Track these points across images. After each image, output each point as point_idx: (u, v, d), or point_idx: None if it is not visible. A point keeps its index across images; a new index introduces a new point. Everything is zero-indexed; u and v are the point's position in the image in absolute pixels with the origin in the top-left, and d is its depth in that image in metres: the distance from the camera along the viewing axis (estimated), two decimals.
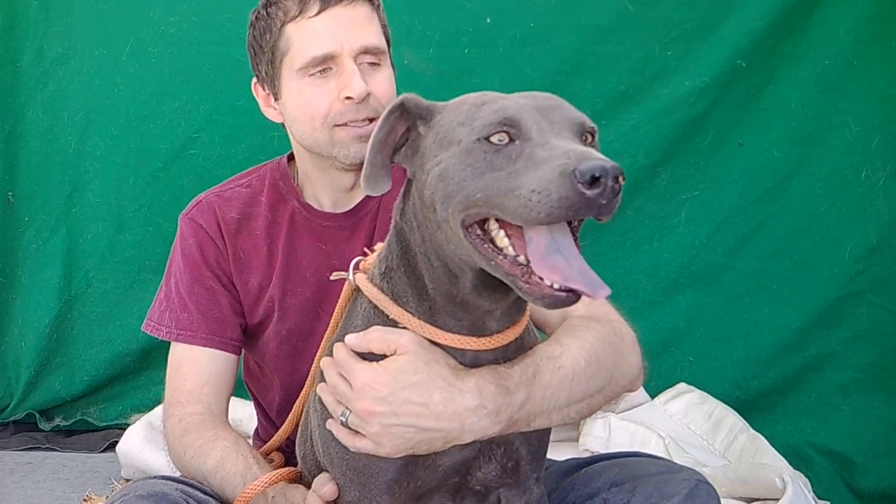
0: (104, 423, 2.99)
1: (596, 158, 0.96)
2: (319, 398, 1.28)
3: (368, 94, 1.51)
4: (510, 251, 1.05)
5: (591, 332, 1.31)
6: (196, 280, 1.64)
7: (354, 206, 1.65)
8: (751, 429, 2.55)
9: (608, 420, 2.46)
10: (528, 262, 1.03)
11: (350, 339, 1.23)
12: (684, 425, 2.54)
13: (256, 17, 1.60)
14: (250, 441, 1.93)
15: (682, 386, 2.65)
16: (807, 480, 2.38)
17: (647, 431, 2.42)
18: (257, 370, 1.77)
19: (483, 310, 1.16)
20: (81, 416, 3.01)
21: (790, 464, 2.48)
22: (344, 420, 1.21)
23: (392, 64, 1.64)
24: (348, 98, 1.50)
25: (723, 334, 2.73)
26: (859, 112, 2.58)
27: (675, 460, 2.25)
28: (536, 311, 1.47)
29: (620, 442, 2.39)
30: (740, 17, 2.58)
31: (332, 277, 1.36)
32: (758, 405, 2.70)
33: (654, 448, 2.34)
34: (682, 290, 2.73)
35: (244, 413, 2.45)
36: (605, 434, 2.44)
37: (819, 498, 2.44)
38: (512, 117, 1.06)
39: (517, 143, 1.05)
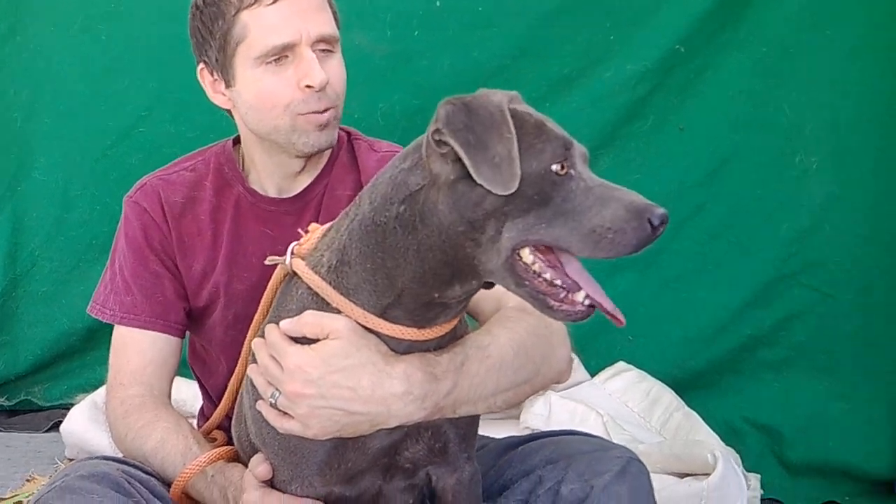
0: (48, 403, 2.98)
1: (657, 205, 1.08)
2: (251, 380, 1.30)
3: (327, 83, 1.51)
4: (537, 268, 1.10)
5: (522, 324, 1.34)
6: (140, 263, 1.64)
7: (300, 192, 1.66)
8: (686, 406, 2.63)
9: (548, 398, 2.51)
10: (561, 283, 1.10)
11: (284, 324, 1.24)
12: (622, 403, 2.61)
13: (204, 2, 1.57)
14: (195, 421, 1.95)
15: (620, 365, 2.71)
16: (737, 456, 2.45)
17: (587, 409, 2.48)
18: (203, 352, 1.78)
19: (445, 308, 1.20)
20: (25, 396, 2.99)
21: (723, 438, 2.56)
22: (273, 401, 1.23)
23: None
24: (308, 87, 1.50)
25: (661, 314, 2.79)
26: (794, 98, 2.66)
27: (613, 437, 2.34)
28: (473, 301, 1.50)
29: (560, 419, 2.45)
30: (681, 3, 2.64)
31: (267, 262, 1.38)
32: (695, 383, 2.77)
33: (592, 425, 2.40)
34: (622, 272, 2.77)
35: (188, 393, 2.44)
36: (546, 412, 2.49)
37: (750, 470, 2.53)
38: (570, 144, 1.11)
39: (572, 173, 1.09)
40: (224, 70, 1.58)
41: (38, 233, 2.97)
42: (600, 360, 2.75)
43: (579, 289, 1.11)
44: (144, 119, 2.89)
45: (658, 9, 2.66)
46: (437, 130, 1.11)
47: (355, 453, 1.25)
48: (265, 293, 1.40)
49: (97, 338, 2.90)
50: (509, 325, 1.34)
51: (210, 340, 1.70)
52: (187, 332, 1.72)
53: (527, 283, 1.10)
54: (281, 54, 1.51)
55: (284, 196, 1.66)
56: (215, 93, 1.64)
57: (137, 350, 1.62)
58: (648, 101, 2.71)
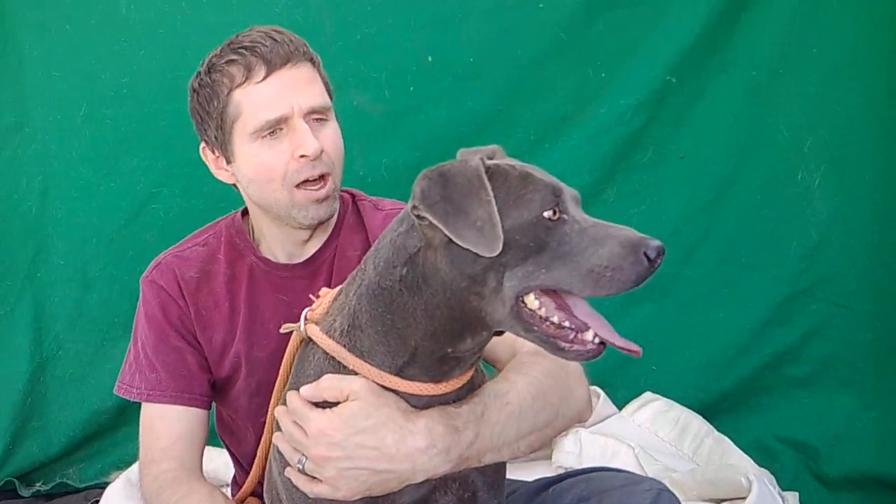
0: (84, 484, 2.98)
1: (651, 238, 1.10)
2: (278, 448, 1.33)
3: (321, 151, 1.57)
4: (543, 313, 1.14)
5: (538, 368, 1.38)
6: (161, 340, 1.69)
7: (311, 256, 1.70)
8: (716, 431, 2.62)
9: (579, 435, 2.51)
10: (570, 324, 1.14)
11: (304, 390, 1.28)
12: (652, 433, 2.61)
13: (200, 85, 1.64)
14: (228, 490, 1.98)
15: (647, 395, 2.72)
16: (772, 477, 2.43)
17: (617, 443, 2.48)
18: (230, 421, 1.81)
19: (461, 363, 1.23)
20: (61, 479, 3.00)
21: (756, 458, 2.56)
22: (301, 467, 1.26)
23: (335, 115, 1.70)
24: (303, 156, 1.56)
25: (681, 341, 2.81)
26: (789, 117, 2.69)
27: (646, 469, 2.34)
28: (488, 349, 1.54)
29: (592, 455, 2.45)
30: (667, 35, 2.68)
31: (282, 330, 1.41)
32: (721, 406, 2.78)
33: (624, 459, 2.40)
34: (639, 303, 2.79)
35: (220, 462, 2.44)
36: (577, 449, 2.49)
37: (787, 489, 2.52)
38: (559, 191, 1.15)
39: (564, 217, 1.13)
40: (224, 147, 1.64)
41: (60, 316, 3.00)
42: (627, 392, 2.76)
43: (588, 328, 1.14)
44: (155, 196, 2.94)
45: (645, 42, 2.70)
46: (414, 207, 1.15)
47: None
48: (283, 360, 1.43)
49: (127, 415, 2.92)
50: (525, 370, 1.37)
51: (236, 410, 1.74)
52: (213, 403, 1.76)
53: (535, 328, 1.14)
54: (275, 128, 1.57)
55: (296, 262, 1.71)
56: (218, 169, 1.71)
57: (166, 426, 1.66)
58: (646, 133, 2.75)
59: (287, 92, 1.57)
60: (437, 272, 1.17)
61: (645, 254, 1.08)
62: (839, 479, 2.65)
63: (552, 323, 1.14)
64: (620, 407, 2.71)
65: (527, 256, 1.12)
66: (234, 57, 1.58)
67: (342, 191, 1.71)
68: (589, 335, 1.14)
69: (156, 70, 2.87)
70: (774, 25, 2.66)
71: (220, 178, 1.72)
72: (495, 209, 1.11)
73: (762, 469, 2.46)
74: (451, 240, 1.13)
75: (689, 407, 2.69)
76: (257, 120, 1.57)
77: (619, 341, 1.15)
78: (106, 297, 2.99)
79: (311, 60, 1.63)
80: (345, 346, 1.26)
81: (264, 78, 1.57)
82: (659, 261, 1.09)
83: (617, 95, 2.72)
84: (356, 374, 1.25)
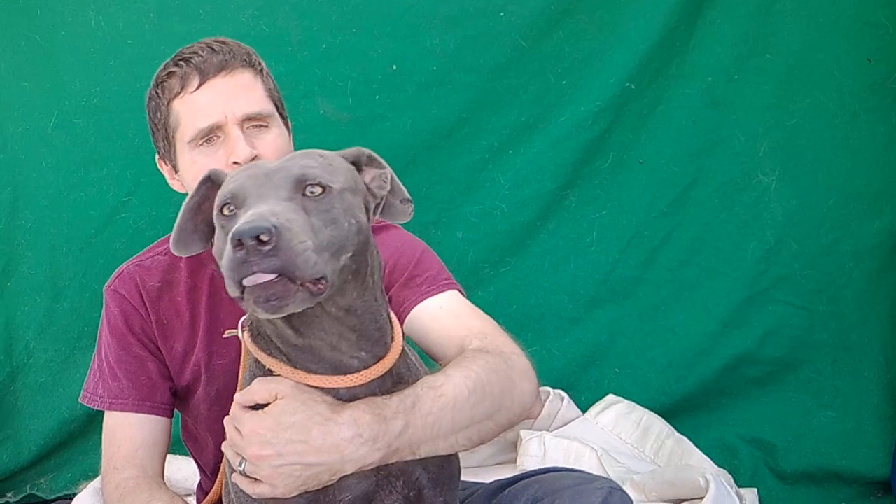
0: (54, 496, 2.97)
1: (245, 222, 1.07)
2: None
3: (255, 157, 1.59)
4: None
5: (478, 362, 1.39)
6: (123, 348, 1.71)
7: None
8: (676, 433, 2.66)
9: (543, 438, 2.54)
10: None
11: (238, 395, 1.31)
12: (615, 436, 2.65)
13: (149, 97, 1.69)
14: (193, 497, 2.00)
15: (610, 397, 2.75)
16: (730, 477, 2.49)
17: (581, 446, 2.51)
18: (193, 430, 1.83)
19: (326, 349, 1.25)
20: (31, 490, 3.00)
21: (717, 456, 2.62)
22: (241, 469, 1.27)
23: (285, 122, 1.72)
24: (235, 163, 1.58)
25: (644, 343, 2.85)
26: (745, 123, 2.74)
27: (609, 471, 2.38)
28: (435, 346, 1.57)
29: (555, 458, 2.47)
30: (625, 43, 2.72)
31: (224, 335, 1.45)
32: (683, 406, 2.82)
33: (587, 461, 2.43)
34: (602, 305, 2.85)
35: (188, 471, 2.48)
36: (541, 452, 2.51)
37: (745, 486, 2.58)
38: (233, 193, 1.19)
39: (238, 212, 1.17)
40: (171, 157, 1.68)
41: (31, 325, 3.01)
42: (591, 395, 2.80)
43: None
44: (125, 205, 2.95)
45: (605, 50, 2.75)
46: None
47: None
48: (240, 368, 1.45)
49: (97, 423, 2.80)
50: (465, 364, 1.38)
51: (196, 418, 1.76)
52: (176, 412, 1.78)
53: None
54: (210, 136, 1.60)
55: None
56: (171, 179, 1.74)
57: (128, 434, 1.68)
58: (606, 138, 2.79)
59: (221, 99, 1.60)
60: None
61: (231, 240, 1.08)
62: (797, 474, 2.70)
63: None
64: (584, 408, 2.74)
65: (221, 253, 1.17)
66: (173, 69, 1.63)
67: None
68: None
69: (125, 80, 2.87)
70: (729, 32, 2.71)
71: (174, 188, 1.75)
72: (182, 211, 1.29)
73: (720, 469, 2.51)
74: None
75: (652, 408, 2.73)
76: (192, 128, 1.61)
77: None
78: (76, 306, 2.99)
79: (253, 68, 1.66)
80: (259, 345, 1.30)
81: (198, 87, 1.60)
82: (240, 250, 1.06)
83: (578, 102, 2.77)
84: (272, 372, 1.28)
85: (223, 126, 1.60)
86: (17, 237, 2.99)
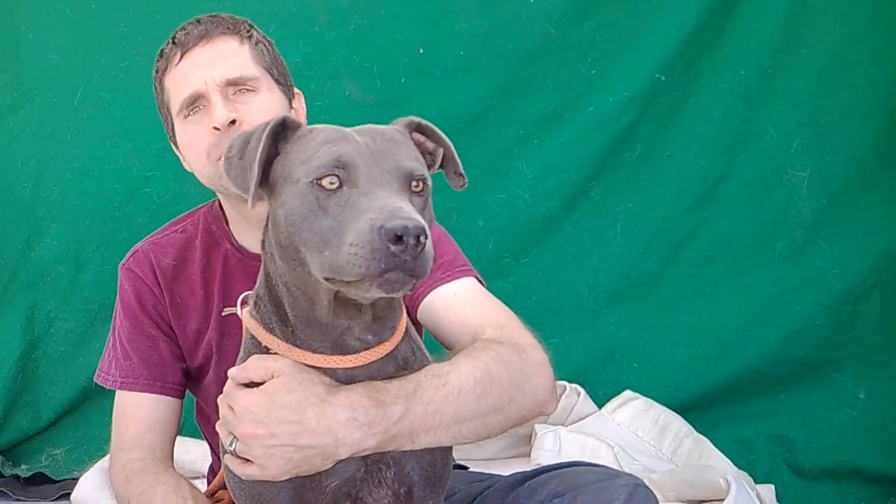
0: (62, 477, 2.97)
1: (401, 217, 1.03)
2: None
3: (234, 121, 1.56)
4: None
5: (489, 353, 1.34)
6: (136, 328, 1.70)
7: None
8: (695, 432, 2.64)
9: (558, 433, 2.52)
10: None
11: (232, 371, 1.28)
12: (632, 433, 2.62)
13: (153, 83, 1.71)
14: (204, 480, 2.00)
15: (627, 393, 2.72)
16: (750, 479, 2.45)
17: (597, 442, 2.49)
18: (206, 411, 1.81)
19: (340, 329, 1.21)
20: (46, 462, 3.02)
21: (733, 450, 2.62)
22: (232, 448, 1.24)
23: (286, 91, 1.69)
24: (215, 128, 1.57)
25: (664, 339, 2.82)
26: (777, 118, 2.70)
27: (625, 468, 2.34)
28: (448, 334, 1.53)
29: (571, 454, 2.45)
30: (656, 33, 2.69)
31: (223, 314, 1.44)
32: (702, 404, 2.79)
33: (603, 458, 2.40)
34: (623, 300, 2.82)
35: (198, 453, 2.46)
36: (556, 447, 2.49)
37: (761, 482, 2.54)
38: (345, 161, 1.12)
39: (345, 189, 1.11)
40: (174, 136, 1.69)
41: (53, 296, 3.03)
42: (608, 390, 2.77)
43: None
44: (149, 180, 2.96)
45: (636, 40, 2.71)
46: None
47: (314, 493, 1.24)
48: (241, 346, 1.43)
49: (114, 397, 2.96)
50: (474, 353, 1.34)
51: (206, 399, 1.75)
52: (188, 392, 1.78)
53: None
54: (194, 105, 1.60)
55: None
56: (183, 160, 1.73)
57: (138, 414, 1.68)
58: (634, 130, 2.76)
59: (200, 68, 1.59)
60: (272, 238, 1.21)
61: (382, 232, 1.03)
62: (815, 471, 2.68)
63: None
64: (600, 404, 2.71)
65: (305, 222, 1.12)
66: (163, 49, 1.66)
67: None
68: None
69: (153, 55, 2.81)
70: (764, 25, 2.67)
71: (186, 168, 1.73)
72: (257, 161, 1.14)
73: (740, 471, 2.48)
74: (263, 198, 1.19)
75: (669, 404, 2.70)
76: (178, 100, 1.61)
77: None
78: (98, 279, 3.01)
79: (238, 35, 1.64)
80: (257, 320, 1.27)
81: (180, 59, 1.61)
82: (399, 245, 1.03)
83: (606, 93, 2.74)
84: (269, 349, 1.25)
85: (205, 94, 1.59)
86: (41, 209, 3.01)
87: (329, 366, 1.22)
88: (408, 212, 1.06)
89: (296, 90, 1.76)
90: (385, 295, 1.11)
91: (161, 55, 1.67)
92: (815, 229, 2.70)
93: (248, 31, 1.66)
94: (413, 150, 1.22)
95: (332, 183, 1.12)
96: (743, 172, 2.74)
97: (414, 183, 1.16)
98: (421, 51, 2.78)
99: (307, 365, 1.23)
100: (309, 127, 1.23)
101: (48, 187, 2.99)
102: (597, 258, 2.83)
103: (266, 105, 1.62)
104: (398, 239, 1.03)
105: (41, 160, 2.98)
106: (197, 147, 1.61)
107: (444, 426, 1.25)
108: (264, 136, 1.17)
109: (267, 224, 1.25)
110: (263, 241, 1.26)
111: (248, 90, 1.62)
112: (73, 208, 3.00)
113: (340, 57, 2.80)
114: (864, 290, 2.69)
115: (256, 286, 1.30)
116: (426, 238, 1.05)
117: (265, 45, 1.68)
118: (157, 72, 1.68)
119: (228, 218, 1.74)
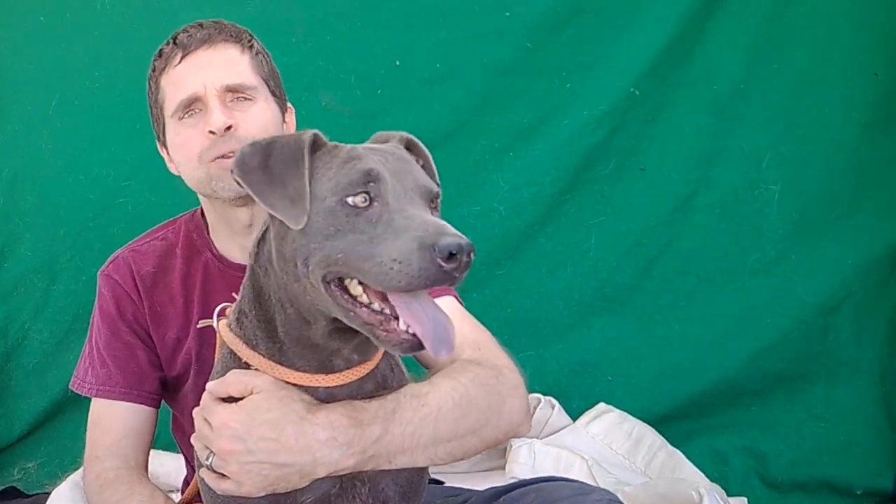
0: (35, 491, 2.95)
1: (452, 234, 1.05)
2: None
3: (230, 127, 1.58)
4: (364, 299, 1.12)
5: (467, 374, 1.35)
6: (113, 335, 1.70)
7: None
8: (668, 445, 2.65)
9: (533, 446, 2.52)
10: (383, 309, 1.11)
11: (210, 385, 1.28)
12: (606, 445, 2.63)
13: (147, 80, 1.71)
14: (178, 493, 1.98)
15: (601, 406, 2.73)
16: (723, 492, 2.47)
17: (571, 455, 2.49)
18: (182, 422, 1.81)
19: (330, 350, 1.21)
20: (18, 476, 2.99)
21: (706, 463, 2.63)
22: (209, 463, 1.24)
23: (280, 104, 1.71)
24: (211, 132, 1.58)
25: (638, 352, 2.83)
26: (749, 132, 2.73)
27: (599, 481, 2.35)
28: (425, 352, 1.55)
29: (545, 467, 2.45)
30: (631, 48, 2.71)
31: (199, 325, 1.43)
32: (675, 417, 2.80)
33: (577, 471, 2.41)
34: (597, 313, 2.83)
35: (172, 466, 2.45)
36: (531, 460, 2.49)
37: (734, 495, 2.57)
38: (375, 176, 1.12)
39: (376, 206, 1.10)
40: (163, 136, 1.69)
41: (26, 306, 3.01)
42: (582, 403, 2.78)
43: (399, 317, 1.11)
44: (124, 190, 2.94)
45: (610, 54, 2.73)
46: (231, 172, 1.16)
47: None
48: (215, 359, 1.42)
49: (89, 408, 2.93)
50: (453, 374, 1.35)
51: (183, 409, 1.74)
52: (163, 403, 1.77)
53: (352, 313, 1.12)
54: (190, 108, 1.61)
55: None
56: (169, 162, 1.74)
57: (113, 423, 1.67)
58: (608, 144, 2.77)
59: (200, 71, 1.60)
60: (271, 252, 1.19)
61: (438, 252, 1.03)
62: (788, 483, 2.70)
63: (371, 309, 1.12)
64: (574, 417, 2.72)
65: (327, 239, 1.11)
66: (164, 48, 1.66)
67: None
68: (401, 325, 1.10)
69: (128, 64, 2.84)
70: (738, 40, 2.69)
71: (171, 171, 1.74)
72: (307, 183, 1.12)
73: (713, 483, 2.49)
74: (274, 217, 1.15)
75: (643, 417, 2.71)
76: (173, 100, 1.62)
77: (430, 341, 1.09)
78: (72, 289, 2.99)
79: (240, 44, 1.65)
80: (238, 335, 1.26)
81: (180, 61, 1.62)
82: (453, 263, 1.03)
83: (581, 106, 2.75)
84: (249, 365, 1.25)
85: (202, 97, 1.60)
86: (16, 218, 2.98)
87: (311, 384, 1.22)
88: (453, 229, 1.07)
89: (289, 105, 1.78)
90: None
91: (160, 55, 1.67)
92: (787, 243, 2.73)
93: (250, 41, 1.68)
94: (420, 168, 1.23)
95: (364, 201, 1.11)
96: (716, 186, 2.76)
97: (433, 202, 1.19)
98: (398, 63, 2.78)
99: (289, 382, 1.23)
100: (332, 144, 1.21)
101: (22, 196, 2.97)
102: (571, 271, 2.84)
103: (261, 115, 1.64)
104: (451, 256, 1.03)
105: (15, 169, 2.95)
106: (189, 150, 1.61)
107: (420, 447, 1.26)
108: (306, 154, 1.14)
109: (264, 237, 1.23)
110: (257, 255, 1.24)
111: (245, 98, 1.63)
112: (48, 218, 2.97)
113: (317, 68, 2.80)
114: (835, 303, 2.71)
115: (239, 300, 1.29)
116: (475, 254, 1.06)
117: (264, 57, 1.70)
118: (153, 70, 1.68)
119: (210, 227, 1.75)
